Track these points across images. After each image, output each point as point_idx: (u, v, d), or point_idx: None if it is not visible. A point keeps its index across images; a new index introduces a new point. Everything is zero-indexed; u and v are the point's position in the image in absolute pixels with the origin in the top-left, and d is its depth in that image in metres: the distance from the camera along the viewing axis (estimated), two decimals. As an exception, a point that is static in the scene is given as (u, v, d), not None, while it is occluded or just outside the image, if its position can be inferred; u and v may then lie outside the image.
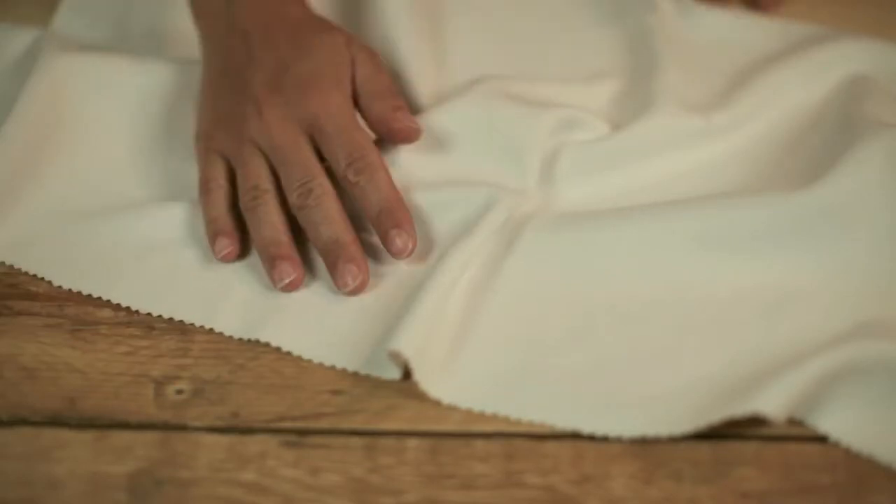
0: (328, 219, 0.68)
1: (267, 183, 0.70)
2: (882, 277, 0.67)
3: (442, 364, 0.64)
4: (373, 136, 0.72)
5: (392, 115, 0.71)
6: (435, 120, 0.74)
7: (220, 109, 0.73)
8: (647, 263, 0.68)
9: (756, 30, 0.82)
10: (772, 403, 0.59)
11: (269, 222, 0.69)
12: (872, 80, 0.77)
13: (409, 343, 0.63)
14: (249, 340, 0.66)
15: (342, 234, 0.68)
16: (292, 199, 0.69)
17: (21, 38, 0.81)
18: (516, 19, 0.84)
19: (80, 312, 0.68)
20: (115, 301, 0.68)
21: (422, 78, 0.78)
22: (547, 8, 0.85)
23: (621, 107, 0.78)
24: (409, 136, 0.72)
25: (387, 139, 0.72)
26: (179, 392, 0.64)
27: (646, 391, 0.63)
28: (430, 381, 0.63)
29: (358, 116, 0.72)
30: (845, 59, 0.79)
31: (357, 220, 0.70)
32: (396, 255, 0.68)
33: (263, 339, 0.66)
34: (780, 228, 0.68)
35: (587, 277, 0.68)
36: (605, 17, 0.83)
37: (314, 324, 0.67)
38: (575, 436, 0.61)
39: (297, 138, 0.70)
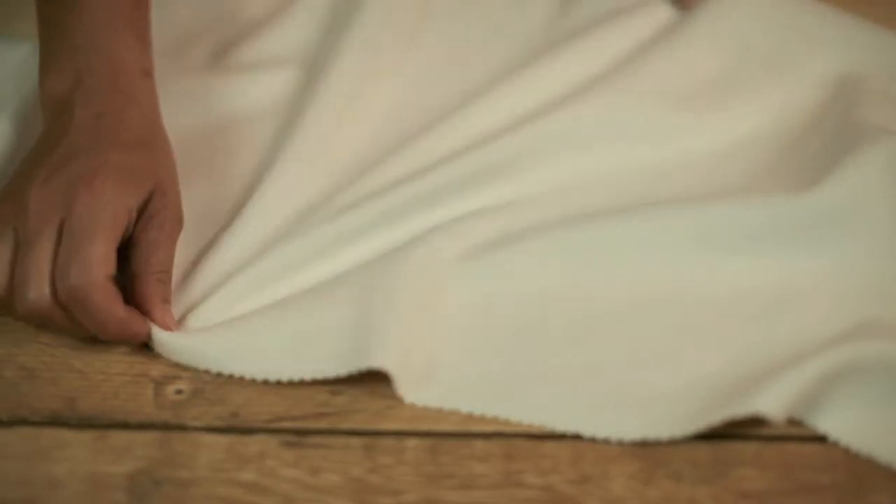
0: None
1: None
2: (882, 278, 0.67)
3: (440, 367, 0.64)
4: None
5: (160, 307, 0.66)
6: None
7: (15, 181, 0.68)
8: (647, 264, 0.68)
9: (754, 21, 0.81)
10: (771, 404, 0.59)
11: None
12: (869, 79, 0.76)
13: (389, 356, 0.62)
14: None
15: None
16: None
17: (18, 51, 0.81)
18: (492, 9, 0.84)
19: (79, 312, 0.68)
20: None
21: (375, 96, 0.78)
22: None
23: (606, 98, 0.77)
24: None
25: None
26: (179, 392, 0.64)
27: (645, 392, 0.63)
28: (420, 389, 0.63)
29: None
30: (845, 52, 0.78)
31: None
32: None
33: (237, 374, 0.65)
34: (781, 229, 0.68)
35: (586, 278, 0.68)
36: (593, 9, 0.83)
37: (287, 344, 0.66)
38: (574, 436, 0.61)
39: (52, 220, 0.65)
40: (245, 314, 0.67)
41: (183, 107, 0.77)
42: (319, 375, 0.64)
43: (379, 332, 0.64)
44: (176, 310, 0.67)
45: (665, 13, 0.82)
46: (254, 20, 0.84)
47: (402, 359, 0.63)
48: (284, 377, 0.64)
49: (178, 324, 0.67)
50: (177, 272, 0.68)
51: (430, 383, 0.64)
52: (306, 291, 0.68)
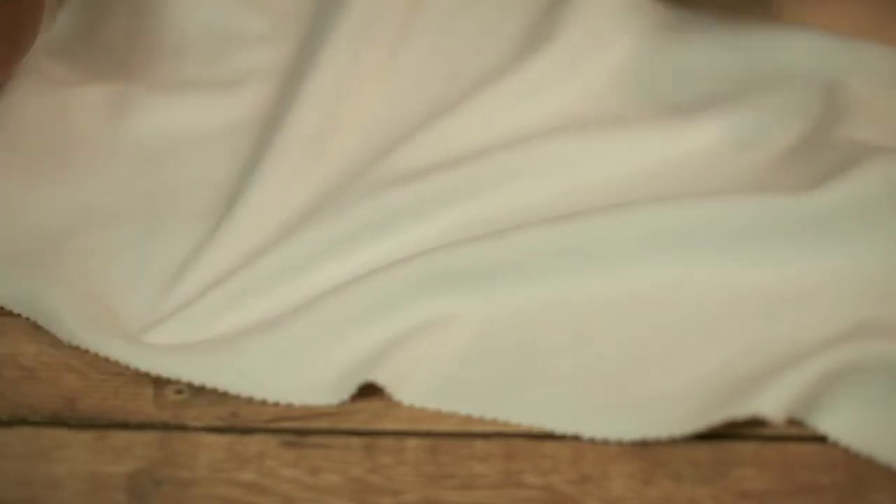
0: None
1: None
2: (882, 278, 0.67)
3: (439, 371, 0.64)
4: None
5: None
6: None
7: None
8: (645, 263, 0.68)
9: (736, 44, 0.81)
10: (771, 404, 0.59)
11: None
12: (858, 91, 0.77)
13: (381, 376, 0.62)
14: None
15: None
16: None
17: None
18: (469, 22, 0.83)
19: (79, 312, 0.68)
20: (57, 334, 0.66)
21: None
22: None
23: (598, 111, 0.78)
24: None
25: None
26: (179, 392, 0.64)
27: (645, 392, 0.63)
28: (418, 393, 0.63)
29: None
30: (832, 64, 0.79)
31: None
32: None
33: (221, 387, 0.64)
34: (781, 229, 0.68)
35: (585, 278, 0.68)
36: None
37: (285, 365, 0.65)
38: (574, 436, 0.61)
39: None
40: (228, 333, 0.66)
41: (169, 116, 0.77)
42: (309, 402, 0.63)
43: (365, 355, 0.64)
44: (153, 318, 0.67)
45: (654, 18, 0.82)
46: (253, 28, 0.84)
47: (396, 379, 0.63)
48: (270, 399, 0.63)
49: (157, 332, 0.66)
50: (154, 283, 0.68)
51: (429, 386, 0.64)
52: (290, 311, 0.67)
